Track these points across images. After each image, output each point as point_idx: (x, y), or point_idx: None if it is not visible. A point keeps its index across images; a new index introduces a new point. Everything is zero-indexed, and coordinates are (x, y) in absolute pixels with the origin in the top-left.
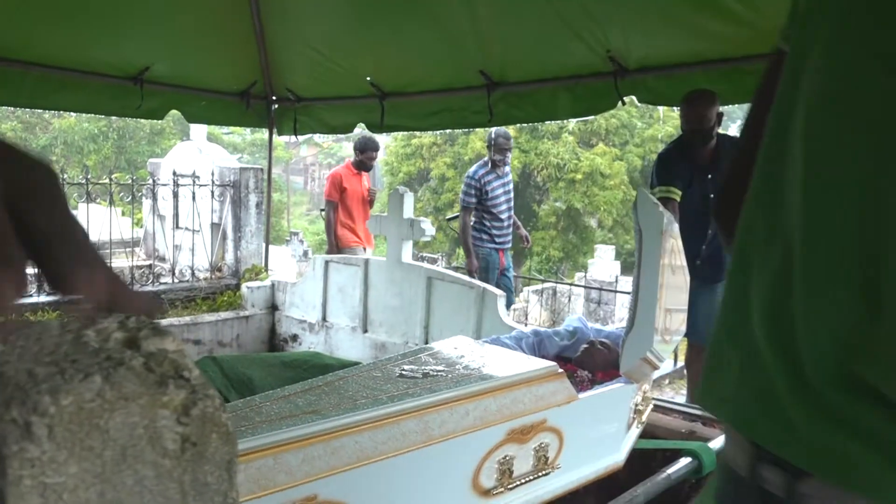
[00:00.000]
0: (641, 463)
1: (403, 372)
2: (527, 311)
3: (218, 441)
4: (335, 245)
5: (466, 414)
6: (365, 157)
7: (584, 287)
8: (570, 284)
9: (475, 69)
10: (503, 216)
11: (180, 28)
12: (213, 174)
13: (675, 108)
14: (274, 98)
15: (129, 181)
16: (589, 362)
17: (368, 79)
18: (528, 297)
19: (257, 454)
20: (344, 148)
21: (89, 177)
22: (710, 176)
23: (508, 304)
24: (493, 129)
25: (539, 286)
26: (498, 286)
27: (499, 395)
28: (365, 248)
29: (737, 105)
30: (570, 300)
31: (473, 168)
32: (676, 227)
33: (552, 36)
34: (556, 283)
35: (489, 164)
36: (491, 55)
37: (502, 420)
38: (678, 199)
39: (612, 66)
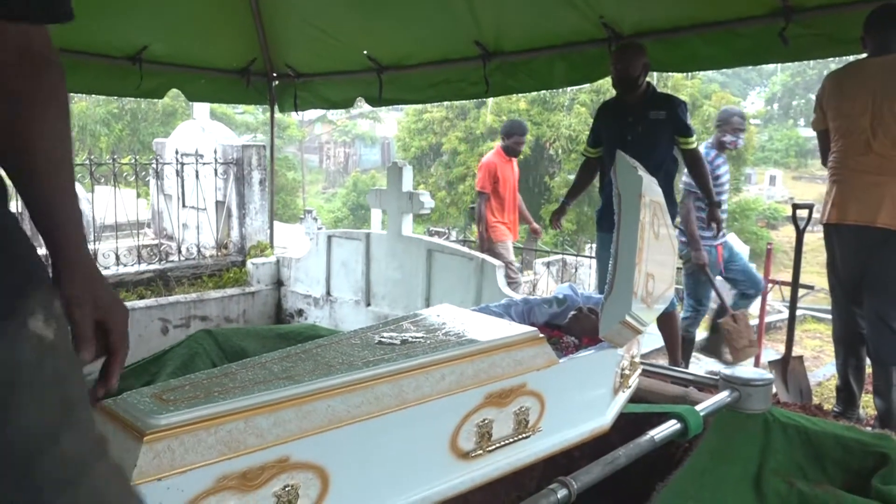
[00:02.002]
0: (635, 428)
1: (382, 339)
2: (535, 282)
3: None
4: (488, 240)
5: (442, 378)
6: (512, 141)
7: (592, 258)
8: (577, 255)
9: (470, 40)
10: (724, 204)
11: (178, 6)
12: (215, 152)
13: (671, 73)
14: (274, 74)
15: (133, 161)
16: (576, 328)
17: (365, 52)
18: (538, 270)
19: (227, 418)
20: (358, 125)
21: (93, 157)
22: (630, 120)
23: (755, 295)
24: (725, 108)
25: (548, 258)
26: (730, 281)
27: (476, 360)
28: (514, 241)
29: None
30: (576, 271)
31: (702, 149)
32: (658, 189)
33: (543, 3)
34: (563, 254)
35: (719, 146)
36: (485, 25)
37: (479, 384)
38: (592, 157)
39: (606, 32)
